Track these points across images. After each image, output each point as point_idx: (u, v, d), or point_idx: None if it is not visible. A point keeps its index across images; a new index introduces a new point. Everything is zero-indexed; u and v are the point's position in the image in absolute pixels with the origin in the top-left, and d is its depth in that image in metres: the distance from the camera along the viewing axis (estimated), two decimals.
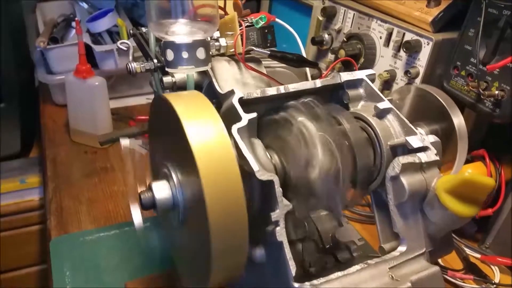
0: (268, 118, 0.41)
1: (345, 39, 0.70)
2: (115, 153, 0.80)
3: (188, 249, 0.37)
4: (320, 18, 0.76)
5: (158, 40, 0.47)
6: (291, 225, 0.47)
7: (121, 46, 0.50)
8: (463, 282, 0.56)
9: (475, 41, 0.56)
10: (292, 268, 0.33)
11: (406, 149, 0.39)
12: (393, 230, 0.39)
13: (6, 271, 0.95)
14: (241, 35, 0.43)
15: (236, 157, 0.34)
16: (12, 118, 0.98)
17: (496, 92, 0.53)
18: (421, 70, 0.62)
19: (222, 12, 0.48)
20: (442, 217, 0.37)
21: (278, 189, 0.34)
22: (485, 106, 0.56)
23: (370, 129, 0.41)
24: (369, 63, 0.68)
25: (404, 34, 0.64)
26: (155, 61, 0.46)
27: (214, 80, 0.42)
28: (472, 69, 0.57)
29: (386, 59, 0.67)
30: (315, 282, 0.34)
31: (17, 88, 0.97)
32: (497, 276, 0.57)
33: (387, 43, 0.66)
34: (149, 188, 0.35)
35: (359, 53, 0.67)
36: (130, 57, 0.47)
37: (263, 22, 0.44)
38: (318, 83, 0.42)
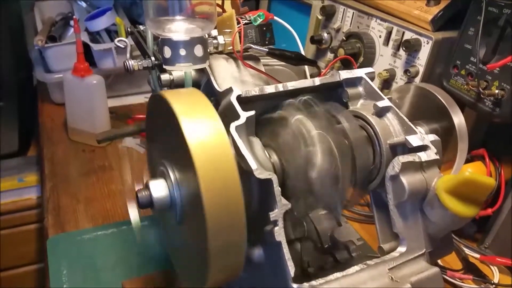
0: (266, 117, 0.40)
1: (344, 38, 0.70)
2: (113, 151, 0.80)
3: (186, 248, 0.37)
4: (319, 17, 0.76)
5: (155, 38, 0.46)
6: (290, 224, 0.46)
7: (118, 44, 0.50)
8: (462, 282, 0.56)
9: (475, 40, 0.55)
10: (291, 268, 0.33)
11: (406, 148, 0.39)
12: (392, 230, 0.39)
13: (4, 270, 0.95)
14: (239, 33, 0.42)
15: (234, 155, 0.33)
16: (10, 116, 0.97)
17: (496, 91, 0.53)
18: (421, 69, 0.62)
19: (220, 10, 0.47)
20: (442, 217, 0.36)
21: (277, 188, 0.33)
22: (485, 105, 0.55)
23: (369, 127, 0.41)
24: (368, 62, 0.67)
25: (403, 33, 0.63)
26: (153, 58, 0.45)
27: (212, 77, 0.41)
28: (472, 68, 0.57)
29: (385, 58, 0.66)
30: (313, 283, 0.33)
31: (15, 87, 0.97)
32: (496, 276, 0.57)
33: (386, 42, 0.66)
34: (147, 187, 0.34)
35: (358, 52, 0.67)
36: (128, 55, 0.47)
37: (261, 20, 0.44)
38: (317, 81, 0.42)
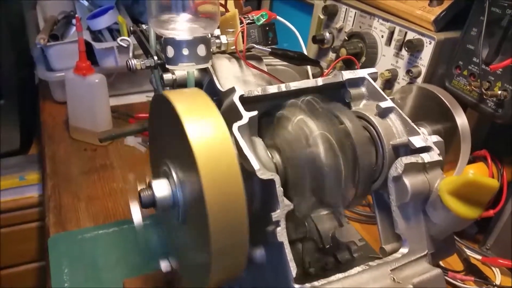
0: (269, 117, 0.40)
1: (346, 37, 0.70)
2: (114, 150, 0.80)
3: (188, 248, 0.37)
4: (321, 17, 0.76)
5: (158, 37, 0.46)
6: (291, 225, 0.46)
7: (121, 43, 0.50)
8: (464, 284, 0.55)
9: (477, 41, 0.55)
10: (293, 269, 0.33)
11: (409, 149, 0.39)
12: (394, 231, 0.39)
13: (5, 268, 0.95)
14: (242, 32, 0.42)
15: (237, 155, 0.33)
16: (11, 115, 0.98)
17: (499, 92, 0.53)
18: (423, 70, 0.62)
19: (223, 9, 0.47)
20: (444, 219, 0.36)
21: (279, 189, 0.33)
22: (488, 106, 0.55)
23: (372, 128, 0.41)
24: (370, 62, 0.67)
25: (406, 33, 0.63)
26: (155, 58, 0.45)
27: (214, 77, 0.41)
28: (474, 69, 0.56)
29: (387, 58, 0.66)
30: (315, 283, 0.33)
31: (16, 85, 0.97)
32: (498, 277, 0.57)
33: (388, 42, 0.66)
34: (149, 186, 0.34)
35: (360, 52, 0.67)
36: (130, 54, 0.47)
37: (264, 19, 0.44)
38: (320, 81, 0.42)
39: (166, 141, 0.37)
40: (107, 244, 0.60)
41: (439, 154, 0.38)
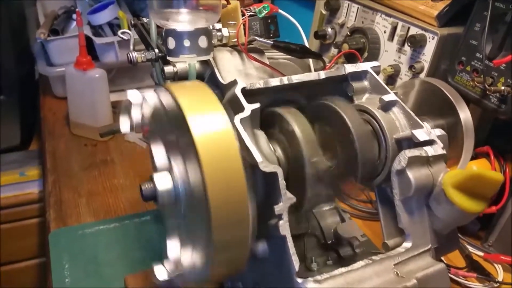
0: (271, 110, 0.40)
1: (348, 33, 0.69)
2: (115, 146, 0.80)
3: (190, 242, 0.36)
4: (324, 12, 0.75)
5: (159, 30, 0.46)
6: (293, 220, 0.46)
7: (122, 36, 0.49)
8: (466, 280, 0.55)
9: (481, 36, 0.55)
10: (296, 263, 0.33)
11: (412, 142, 0.38)
12: (397, 226, 0.38)
13: (5, 264, 0.95)
14: (244, 25, 0.42)
15: (239, 148, 0.33)
16: (12, 110, 0.97)
17: (502, 87, 0.53)
18: (426, 65, 0.61)
19: (224, 2, 0.47)
20: (448, 213, 0.36)
21: (282, 182, 0.33)
22: (491, 102, 0.55)
23: (375, 122, 0.40)
24: (373, 58, 0.67)
25: (408, 28, 0.63)
26: (156, 51, 0.45)
27: (216, 70, 0.41)
28: (477, 65, 0.56)
29: (390, 54, 0.66)
30: (318, 277, 0.33)
31: (17, 81, 0.97)
32: (500, 274, 0.57)
33: (391, 37, 0.65)
34: (151, 179, 0.34)
35: (362, 47, 0.67)
36: (131, 47, 0.46)
37: (266, 12, 0.44)
38: (322, 74, 0.41)
39: (167, 134, 0.37)
40: (108, 239, 0.60)
41: (443, 148, 0.38)
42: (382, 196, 0.42)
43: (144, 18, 0.51)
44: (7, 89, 0.95)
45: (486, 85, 0.54)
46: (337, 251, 0.46)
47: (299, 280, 0.33)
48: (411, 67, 0.62)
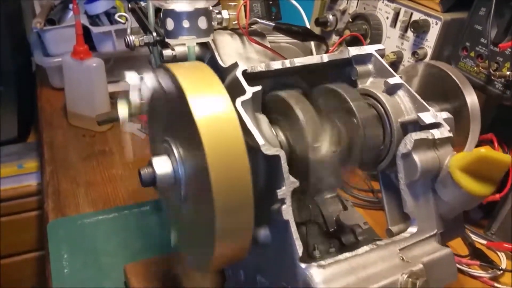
0: (273, 94, 0.39)
1: (350, 19, 0.68)
2: (113, 136, 0.79)
3: (190, 228, 0.35)
4: None
5: (157, 13, 0.45)
6: (295, 208, 0.45)
7: (119, 20, 0.48)
8: (469, 268, 0.55)
9: (486, 21, 0.54)
10: (299, 247, 0.32)
11: (418, 126, 0.38)
12: (402, 212, 0.38)
13: (5, 257, 0.94)
14: (245, 6, 0.41)
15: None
16: (9, 102, 0.96)
17: (508, 73, 0.52)
18: (429, 51, 0.60)
19: None
20: (455, 196, 0.35)
21: (285, 165, 0.32)
22: (495, 88, 0.54)
23: (379, 106, 0.39)
24: (375, 44, 0.66)
25: (411, 14, 0.62)
26: (154, 34, 0.44)
27: (216, 53, 0.40)
28: (482, 50, 0.55)
29: (392, 40, 0.65)
30: (322, 262, 0.32)
31: (14, 72, 0.96)
32: (503, 262, 0.56)
33: (393, 23, 0.64)
34: (149, 164, 0.33)
35: (364, 33, 0.65)
36: (128, 30, 0.45)
37: None
38: (325, 57, 0.40)
39: (167, 116, 0.36)
40: (107, 229, 0.59)
41: (449, 130, 0.37)
42: (386, 182, 0.41)
43: (142, 2, 0.50)
44: (5, 81, 0.94)
45: (491, 71, 0.53)
46: (339, 239, 0.45)
47: (303, 265, 0.32)
48: (414, 53, 0.61)
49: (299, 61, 0.39)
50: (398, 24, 0.63)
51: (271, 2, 0.44)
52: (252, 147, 0.32)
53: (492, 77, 0.53)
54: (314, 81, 0.42)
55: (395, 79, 0.39)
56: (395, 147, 0.38)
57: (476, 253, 0.57)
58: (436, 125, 0.37)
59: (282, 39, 0.46)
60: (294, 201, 0.37)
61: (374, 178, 0.43)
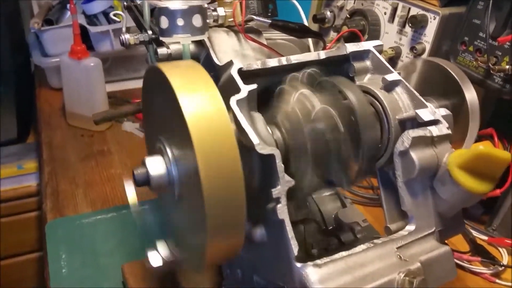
0: (268, 92, 0.39)
1: (348, 15, 0.67)
2: (112, 136, 0.79)
3: (185, 227, 0.35)
4: None
5: (152, 11, 0.45)
6: (293, 206, 0.45)
7: (114, 18, 0.48)
8: (470, 264, 0.54)
9: (484, 15, 0.53)
10: (294, 247, 0.32)
11: (416, 123, 0.37)
12: (400, 210, 0.37)
13: (5, 258, 0.94)
14: (240, 3, 0.40)
15: (235, 129, 0.31)
16: (8, 103, 0.96)
17: (507, 66, 0.51)
18: (427, 46, 0.60)
19: None
20: (453, 194, 0.35)
21: (280, 164, 0.32)
22: (494, 82, 0.53)
23: (377, 103, 0.39)
24: (373, 40, 0.65)
25: (409, 9, 0.61)
26: (150, 32, 0.43)
27: (211, 51, 0.40)
28: (480, 44, 0.55)
29: (391, 36, 0.64)
30: (318, 261, 0.32)
31: (12, 73, 0.95)
32: (505, 258, 0.56)
33: (391, 19, 0.64)
34: (143, 164, 0.33)
35: (362, 29, 0.65)
36: (124, 29, 0.45)
37: None
38: (322, 54, 0.40)
39: (160, 116, 0.35)
40: (105, 229, 0.59)
41: (448, 127, 0.36)
42: (384, 179, 0.40)
43: (137, 0, 0.49)
44: (3, 81, 0.93)
45: (490, 65, 0.52)
46: (338, 237, 0.45)
47: (298, 265, 0.31)
48: (412, 49, 0.61)
49: (296, 58, 0.38)
50: (396, 19, 0.63)
51: None
52: (247, 146, 0.32)
53: (491, 71, 0.53)
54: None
55: (393, 76, 0.39)
56: (393, 144, 0.37)
57: (477, 249, 0.57)
58: (434, 122, 0.36)
59: (279, 36, 0.46)
60: (291, 199, 0.37)
61: (374, 173, 0.43)
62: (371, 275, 0.32)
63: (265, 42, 0.43)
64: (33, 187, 0.92)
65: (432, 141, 0.36)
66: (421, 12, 0.60)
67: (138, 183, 0.32)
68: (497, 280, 0.53)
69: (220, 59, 0.39)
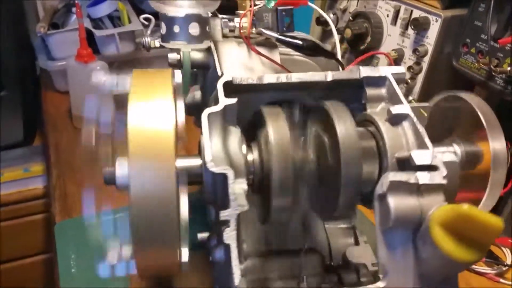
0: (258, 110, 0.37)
1: (351, 18, 0.68)
2: None
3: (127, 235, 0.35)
4: None
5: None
6: (299, 231, 0.43)
7: (143, 21, 0.49)
8: (474, 265, 0.55)
9: (485, 17, 0.54)
10: (236, 276, 0.29)
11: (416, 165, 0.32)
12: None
13: (11, 261, 0.95)
14: (249, 15, 0.40)
15: (174, 144, 0.30)
16: (14, 106, 0.97)
17: (508, 68, 0.52)
18: (430, 48, 0.60)
19: None
20: (433, 256, 0.29)
21: (232, 185, 0.30)
22: (496, 83, 0.54)
23: (379, 136, 0.35)
24: (376, 42, 0.66)
25: (412, 11, 0.62)
26: None
27: (216, 61, 0.39)
28: (482, 46, 0.55)
29: (393, 38, 0.65)
30: None
31: (18, 76, 0.96)
32: (509, 258, 0.56)
33: (394, 21, 0.65)
34: (113, 163, 0.32)
35: (365, 32, 0.66)
36: (149, 32, 0.46)
37: (275, 2, 0.41)
38: (330, 76, 0.36)
39: None
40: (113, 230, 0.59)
41: (444, 177, 0.30)
42: None
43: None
44: (9, 85, 0.94)
45: (492, 67, 0.53)
46: (339, 276, 0.41)
47: None
48: (415, 51, 0.61)
49: (298, 77, 0.36)
50: (399, 21, 0.64)
51: (284, 12, 0.41)
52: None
53: (493, 73, 0.53)
54: (322, 98, 0.37)
55: (400, 108, 0.34)
56: None
57: None
58: (430, 168, 0.31)
59: (297, 53, 0.44)
60: (301, 225, 0.35)
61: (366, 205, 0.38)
62: None
63: (277, 57, 0.42)
64: (39, 190, 0.92)
65: (418, 189, 0.30)
66: (423, 14, 0.60)
67: (104, 180, 0.32)
68: (502, 280, 0.53)
69: (224, 69, 0.39)
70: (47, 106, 0.91)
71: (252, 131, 0.37)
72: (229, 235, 0.30)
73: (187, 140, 0.32)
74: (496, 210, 0.60)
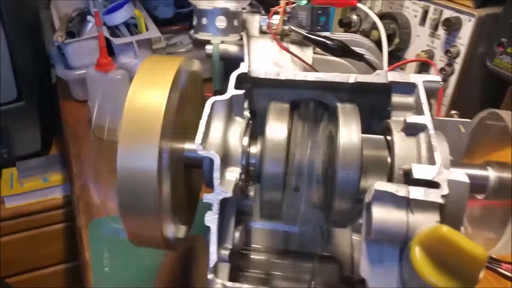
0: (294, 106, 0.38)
1: None
2: None
3: None
4: None
5: None
6: (319, 236, 0.42)
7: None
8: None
9: None
10: (212, 259, 0.30)
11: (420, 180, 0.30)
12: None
13: (32, 270, 0.95)
14: (282, 12, 0.40)
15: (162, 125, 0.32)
16: (31, 116, 0.96)
17: None
18: (462, 49, 0.59)
19: None
20: (411, 277, 0.27)
21: (217, 171, 0.32)
22: None
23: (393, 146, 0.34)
24: (404, 43, 0.65)
25: (441, 11, 0.61)
26: None
27: (246, 56, 0.40)
28: None
29: (422, 39, 0.63)
30: (228, 284, 0.30)
31: (35, 86, 0.96)
32: None
33: (422, 21, 0.63)
34: None
35: (393, 33, 0.64)
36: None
37: (307, 1, 0.41)
38: (352, 78, 0.35)
39: None
40: None
41: (443, 196, 0.28)
42: None
43: None
44: (26, 95, 0.94)
45: None
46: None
47: (210, 276, 0.31)
48: (447, 52, 0.60)
49: (317, 76, 0.36)
50: (428, 22, 0.62)
51: (320, 12, 0.41)
52: None
53: None
54: (346, 99, 0.37)
55: (416, 118, 0.32)
56: None
57: None
58: (431, 184, 0.29)
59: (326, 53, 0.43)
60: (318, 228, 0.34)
61: None
62: None
63: (309, 57, 0.42)
64: (59, 200, 0.92)
65: (408, 203, 0.28)
66: (455, 14, 0.59)
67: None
68: None
69: (253, 64, 0.40)
70: (65, 115, 0.90)
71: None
72: (211, 218, 0.31)
73: None
74: None
